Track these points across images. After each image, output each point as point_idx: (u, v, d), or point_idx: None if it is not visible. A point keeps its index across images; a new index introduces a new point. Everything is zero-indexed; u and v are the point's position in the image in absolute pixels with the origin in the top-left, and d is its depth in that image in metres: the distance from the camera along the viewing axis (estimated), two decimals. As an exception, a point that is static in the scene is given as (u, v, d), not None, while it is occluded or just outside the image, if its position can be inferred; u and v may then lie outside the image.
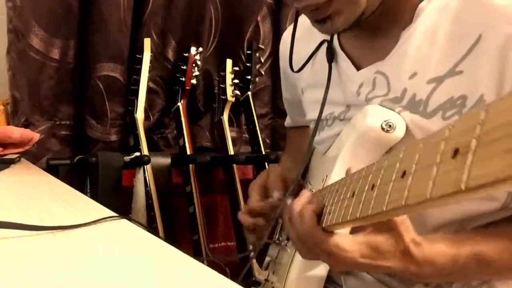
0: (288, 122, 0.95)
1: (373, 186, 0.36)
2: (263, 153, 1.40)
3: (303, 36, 0.73)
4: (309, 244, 0.50)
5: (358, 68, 0.63)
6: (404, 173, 0.31)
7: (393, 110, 0.56)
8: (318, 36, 0.70)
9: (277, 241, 0.73)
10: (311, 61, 0.72)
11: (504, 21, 0.49)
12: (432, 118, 0.53)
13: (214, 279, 0.39)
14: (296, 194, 0.74)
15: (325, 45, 0.68)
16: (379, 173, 0.36)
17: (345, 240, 0.47)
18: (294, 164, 0.85)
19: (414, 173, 0.29)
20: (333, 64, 0.66)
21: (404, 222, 0.47)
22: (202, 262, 0.43)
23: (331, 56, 0.66)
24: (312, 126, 0.72)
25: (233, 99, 1.39)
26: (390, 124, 0.54)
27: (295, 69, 0.72)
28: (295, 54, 0.72)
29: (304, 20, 0.75)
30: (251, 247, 1.14)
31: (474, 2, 0.52)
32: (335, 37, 0.68)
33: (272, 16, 1.51)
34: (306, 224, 0.48)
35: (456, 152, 0.25)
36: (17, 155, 0.94)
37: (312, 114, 0.73)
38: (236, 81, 1.41)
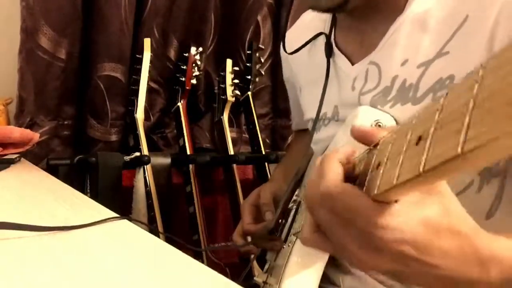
0: (293, 125, 0.96)
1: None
2: (263, 153, 1.40)
3: (304, 27, 0.75)
4: (348, 218, 0.34)
5: (352, 63, 0.64)
6: (379, 164, 0.32)
7: (385, 105, 0.57)
8: (318, 30, 0.71)
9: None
10: (308, 58, 0.73)
11: (492, 2, 0.50)
12: (423, 102, 0.54)
13: (214, 279, 0.39)
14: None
15: (322, 40, 0.69)
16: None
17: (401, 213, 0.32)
18: (286, 173, 0.86)
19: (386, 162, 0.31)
20: (330, 60, 0.67)
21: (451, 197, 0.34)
22: (201, 253, 0.43)
23: (329, 51, 0.67)
24: (309, 125, 0.73)
25: (233, 99, 1.40)
26: (380, 124, 0.55)
27: (289, 51, 0.73)
28: (295, 41, 0.73)
29: (307, 16, 0.77)
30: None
31: None
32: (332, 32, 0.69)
33: (273, 16, 1.51)
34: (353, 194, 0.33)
35: (419, 139, 0.26)
36: (17, 155, 0.94)
37: (309, 113, 0.73)
38: (236, 81, 1.41)
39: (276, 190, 0.80)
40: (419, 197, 0.33)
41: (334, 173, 0.36)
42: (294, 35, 0.76)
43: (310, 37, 0.71)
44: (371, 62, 0.60)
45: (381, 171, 0.31)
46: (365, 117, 0.56)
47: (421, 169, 0.24)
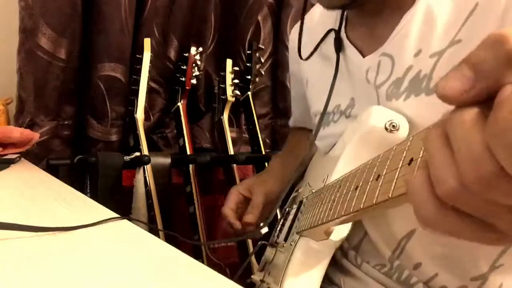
0: (291, 122, 0.96)
1: (357, 187, 0.42)
2: (263, 153, 1.40)
3: (315, 26, 0.75)
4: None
5: (363, 56, 0.64)
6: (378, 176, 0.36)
7: (399, 98, 0.57)
8: (327, 26, 0.71)
9: (274, 243, 0.73)
10: (318, 53, 0.73)
11: None
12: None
13: (214, 279, 0.39)
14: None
15: (332, 36, 0.69)
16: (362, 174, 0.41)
17: None
18: (282, 171, 0.87)
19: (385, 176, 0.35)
20: (340, 54, 0.67)
21: None
22: (201, 253, 0.43)
23: (338, 46, 0.67)
24: (316, 120, 0.72)
25: (233, 99, 1.40)
26: (394, 124, 0.54)
27: (304, 57, 0.73)
28: (306, 42, 0.73)
29: (315, 13, 0.77)
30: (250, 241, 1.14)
31: None
32: (342, 27, 0.69)
33: (273, 16, 1.51)
34: None
35: (411, 160, 0.31)
36: (17, 155, 0.94)
37: (317, 106, 0.73)
38: (236, 81, 1.41)
39: (269, 191, 0.82)
40: None
41: None
42: (304, 36, 0.76)
43: (321, 36, 0.72)
44: (383, 54, 0.60)
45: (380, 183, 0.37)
46: (378, 117, 0.56)
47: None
